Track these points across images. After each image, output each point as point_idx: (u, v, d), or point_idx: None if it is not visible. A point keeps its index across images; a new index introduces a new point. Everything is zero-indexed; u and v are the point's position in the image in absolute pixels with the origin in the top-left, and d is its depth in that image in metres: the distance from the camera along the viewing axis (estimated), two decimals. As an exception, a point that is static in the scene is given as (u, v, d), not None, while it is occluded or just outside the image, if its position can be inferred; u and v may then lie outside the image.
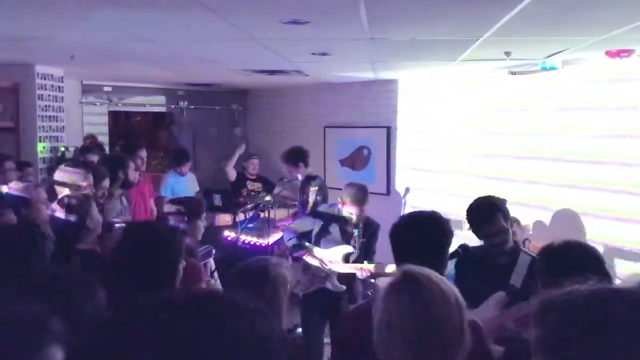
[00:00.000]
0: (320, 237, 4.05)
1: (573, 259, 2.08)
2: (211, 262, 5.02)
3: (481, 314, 2.44)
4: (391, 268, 3.95)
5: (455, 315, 1.50)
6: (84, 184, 3.63)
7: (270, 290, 2.06)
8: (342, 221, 4.00)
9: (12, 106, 5.51)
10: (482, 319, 2.14)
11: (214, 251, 5.17)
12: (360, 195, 3.91)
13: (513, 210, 5.26)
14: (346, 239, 3.98)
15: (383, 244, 3.07)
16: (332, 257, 3.94)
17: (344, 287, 4.00)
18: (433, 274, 1.57)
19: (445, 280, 1.58)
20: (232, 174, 7.03)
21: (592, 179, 4.69)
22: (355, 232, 3.94)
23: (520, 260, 2.85)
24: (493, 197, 3.12)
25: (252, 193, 6.92)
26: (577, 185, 4.81)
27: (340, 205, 4.00)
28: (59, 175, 3.74)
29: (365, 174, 6.98)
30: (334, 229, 4.03)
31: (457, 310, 1.51)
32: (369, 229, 4.03)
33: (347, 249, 3.93)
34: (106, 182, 4.14)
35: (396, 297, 1.53)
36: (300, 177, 5.36)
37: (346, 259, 3.92)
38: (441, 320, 1.48)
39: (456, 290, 1.55)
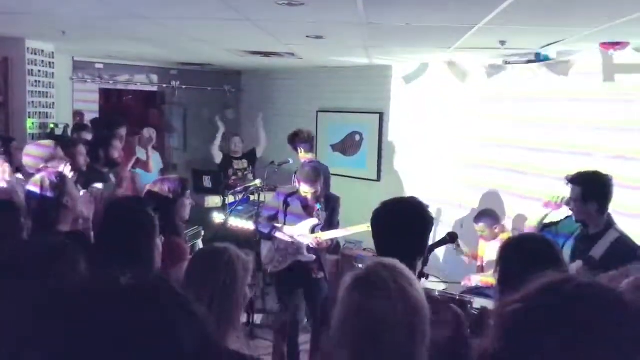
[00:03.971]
0: (285, 211, 4.37)
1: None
2: (199, 243, 5.02)
3: None
4: (332, 234, 4.27)
5: (403, 326, 1.41)
6: (50, 164, 3.54)
7: (223, 276, 1.97)
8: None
9: (1, 80, 5.43)
10: None
11: (202, 232, 5.16)
12: (312, 175, 4.20)
13: (504, 200, 5.32)
14: (308, 212, 4.31)
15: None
16: (300, 231, 4.26)
17: (314, 257, 4.31)
18: (398, 274, 1.48)
19: (411, 281, 1.49)
20: (217, 156, 7.00)
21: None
22: (318, 206, 4.30)
23: (607, 235, 3.05)
24: None
25: (239, 172, 6.91)
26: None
27: (297, 184, 4.30)
28: (24, 159, 3.68)
29: (356, 159, 6.98)
30: (295, 203, 4.32)
31: (408, 319, 1.41)
32: (330, 203, 4.40)
33: (314, 221, 4.27)
34: (82, 151, 4.13)
35: (349, 297, 1.47)
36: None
37: (312, 230, 4.25)
38: (384, 330, 1.40)
39: (419, 293, 1.46)
